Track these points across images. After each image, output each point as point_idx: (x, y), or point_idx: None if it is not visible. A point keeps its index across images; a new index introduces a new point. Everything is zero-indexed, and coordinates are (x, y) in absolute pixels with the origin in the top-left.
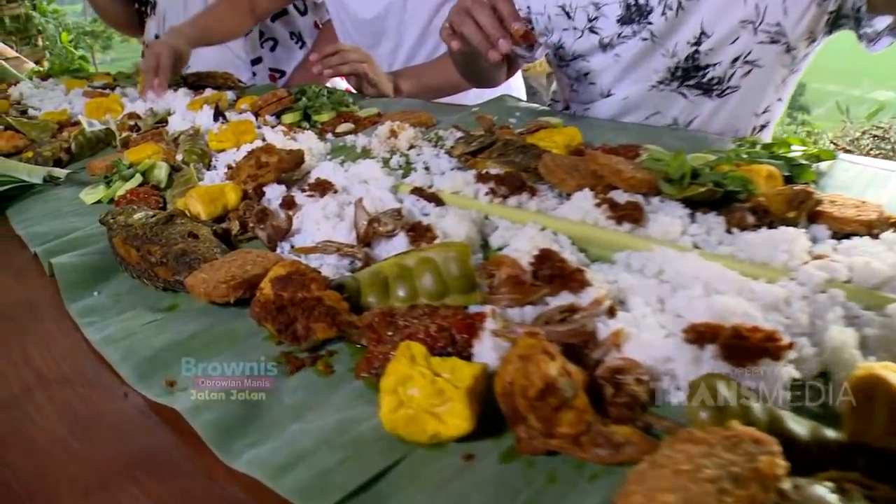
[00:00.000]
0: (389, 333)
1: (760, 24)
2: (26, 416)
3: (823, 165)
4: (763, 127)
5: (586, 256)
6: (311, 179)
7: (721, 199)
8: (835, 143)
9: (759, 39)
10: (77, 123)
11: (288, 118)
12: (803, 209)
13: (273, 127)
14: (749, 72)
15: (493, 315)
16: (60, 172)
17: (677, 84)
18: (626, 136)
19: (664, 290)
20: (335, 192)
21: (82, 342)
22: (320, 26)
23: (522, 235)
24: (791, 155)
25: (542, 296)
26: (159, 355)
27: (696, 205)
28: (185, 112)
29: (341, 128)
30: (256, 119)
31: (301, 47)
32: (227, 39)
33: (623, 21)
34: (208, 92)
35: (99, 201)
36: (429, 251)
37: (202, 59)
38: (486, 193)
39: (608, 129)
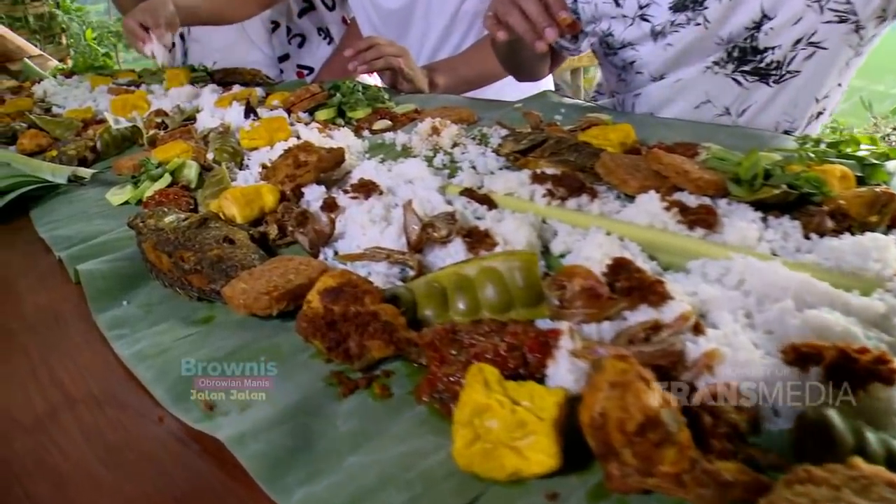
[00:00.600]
0: (453, 352)
1: (829, 1)
2: (51, 441)
3: (892, 165)
4: (819, 114)
5: (658, 265)
6: (353, 179)
7: (794, 202)
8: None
9: (826, 19)
10: (102, 121)
11: (322, 115)
12: (886, 213)
13: (307, 124)
14: (812, 55)
15: (571, 333)
16: (86, 172)
17: (733, 67)
18: (679, 133)
19: (750, 303)
20: (380, 193)
21: (111, 357)
22: (348, 22)
23: (589, 242)
24: (861, 154)
25: (620, 310)
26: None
27: (767, 208)
28: (213, 109)
29: (378, 124)
30: (289, 116)
31: (329, 43)
32: (224, 22)
33: (676, 8)
34: (236, 89)
35: (126, 202)
36: (491, 260)
37: (228, 57)
38: (544, 195)
39: (659, 125)
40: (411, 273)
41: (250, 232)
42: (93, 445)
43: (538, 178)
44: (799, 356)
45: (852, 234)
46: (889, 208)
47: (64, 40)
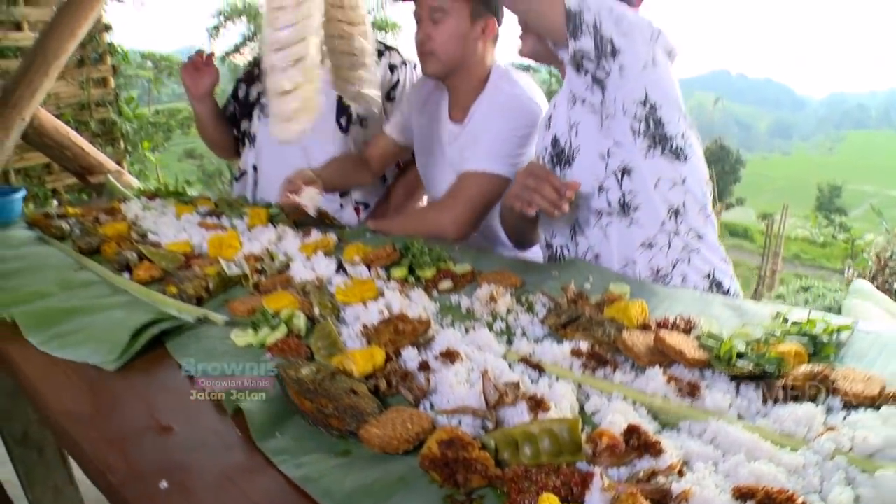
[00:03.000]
0: (526, 484)
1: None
2: None
3: (844, 335)
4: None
5: (658, 423)
6: (438, 343)
7: (759, 375)
8: (878, 257)
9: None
10: (201, 256)
11: (396, 273)
12: (822, 386)
13: (385, 281)
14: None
15: (601, 474)
16: (217, 318)
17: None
18: (681, 303)
19: (717, 455)
20: (462, 359)
21: (280, 476)
22: (401, 165)
23: (613, 408)
24: (815, 332)
25: (632, 459)
26: (352, 498)
27: (740, 378)
28: (304, 260)
29: (443, 285)
30: (369, 271)
31: (384, 182)
32: (350, 187)
33: None
34: (315, 234)
35: (249, 344)
36: (549, 424)
37: None
38: (581, 367)
39: (666, 297)
40: (490, 425)
41: (367, 385)
42: None
43: (575, 353)
44: (741, 495)
45: (798, 401)
46: (824, 383)
47: (122, 144)
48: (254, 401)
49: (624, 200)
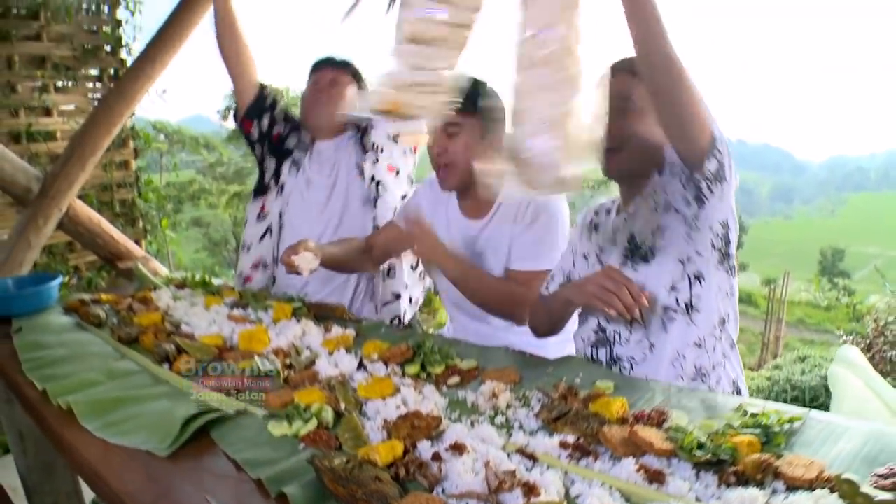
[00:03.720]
0: None
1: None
2: None
3: (797, 424)
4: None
5: None
6: (447, 437)
7: (716, 462)
8: (876, 321)
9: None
10: (231, 349)
11: (410, 370)
12: (767, 472)
13: (400, 377)
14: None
15: None
16: (257, 412)
17: None
18: (659, 394)
19: None
20: (468, 451)
21: None
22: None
23: (592, 493)
24: (769, 423)
25: None
26: None
27: (700, 465)
28: (327, 356)
29: (451, 381)
30: (386, 367)
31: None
32: (347, 272)
33: None
34: (335, 330)
35: (284, 435)
36: None
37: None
38: (567, 457)
39: (646, 388)
40: None
41: (389, 473)
42: None
43: (563, 445)
44: None
45: (747, 485)
46: (769, 469)
47: (141, 224)
48: (295, 485)
49: (691, 302)
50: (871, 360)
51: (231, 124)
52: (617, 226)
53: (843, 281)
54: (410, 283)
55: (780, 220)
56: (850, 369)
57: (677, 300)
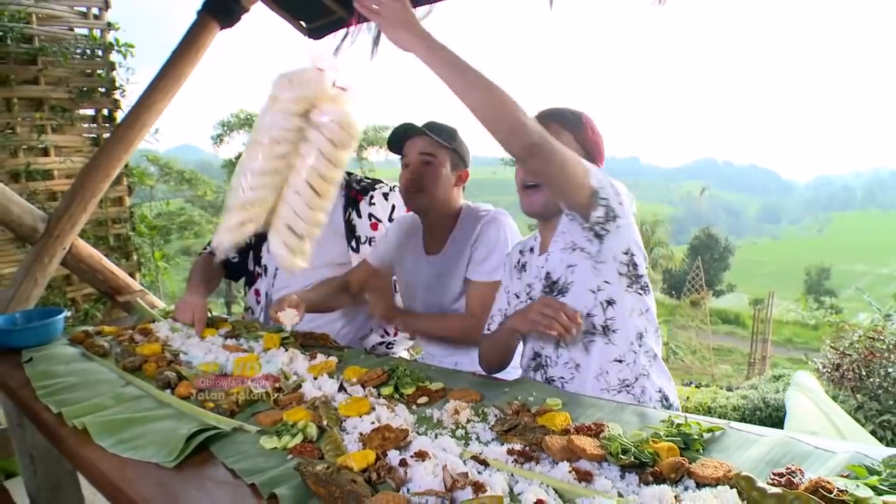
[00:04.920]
0: None
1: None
2: None
3: (717, 433)
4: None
5: (562, 500)
6: (413, 447)
7: (639, 464)
8: (872, 337)
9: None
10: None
11: (386, 391)
12: (680, 472)
13: (376, 398)
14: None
15: None
16: (250, 428)
17: None
18: (600, 410)
19: None
20: (430, 458)
21: None
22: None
23: (531, 489)
24: (689, 432)
25: None
26: None
27: (624, 467)
28: (312, 380)
29: (420, 400)
30: (363, 389)
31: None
32: (328, 310)
33: None
34: (319, 357)
35: (274, 448)
36: (484, 499)
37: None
38: (513, 462)
39: (588, 405)
40: (447, 502)
41: (363, 476)
42: None
43: (511, 452)
44: None
45: (663, 483)
46: (681, 470)
47: (135, 257)
48: (283, 488)
49: (605, 325)
50: (841, 376)
51: (225, 153)
52: (539, 264)
53: (830, 299)
54: None
55: (769, 241)
56: (803, 393)
57: (594, 324)
